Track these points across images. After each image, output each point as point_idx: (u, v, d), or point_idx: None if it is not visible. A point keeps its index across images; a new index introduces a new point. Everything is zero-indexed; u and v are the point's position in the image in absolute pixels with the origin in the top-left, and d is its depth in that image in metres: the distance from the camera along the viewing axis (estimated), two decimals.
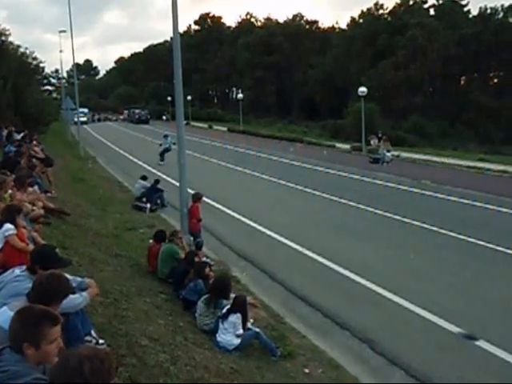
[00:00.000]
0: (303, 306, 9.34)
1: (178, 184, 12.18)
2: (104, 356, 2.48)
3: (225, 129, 62.79)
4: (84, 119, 67.21)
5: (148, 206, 16.61)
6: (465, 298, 9.57)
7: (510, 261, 11.75)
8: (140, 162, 28.38)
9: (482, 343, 7.66)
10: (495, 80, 59.83)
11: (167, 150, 28.05)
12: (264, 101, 78.58)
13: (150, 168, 25.38)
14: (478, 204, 18.04)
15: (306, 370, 6.88)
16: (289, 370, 6.82)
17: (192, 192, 12.12)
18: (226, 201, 17.82)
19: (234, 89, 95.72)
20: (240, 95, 66.64)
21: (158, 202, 17.21)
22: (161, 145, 28.97)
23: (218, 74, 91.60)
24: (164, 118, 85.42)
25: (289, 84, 77.24)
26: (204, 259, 10.07)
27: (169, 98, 65.70)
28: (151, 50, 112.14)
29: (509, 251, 12.21)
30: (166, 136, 29.21)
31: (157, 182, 17.78)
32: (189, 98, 70.06)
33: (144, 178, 18.34)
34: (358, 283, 10.21)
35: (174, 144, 25.57)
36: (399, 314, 8.84)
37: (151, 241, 10.48)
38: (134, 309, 6.91)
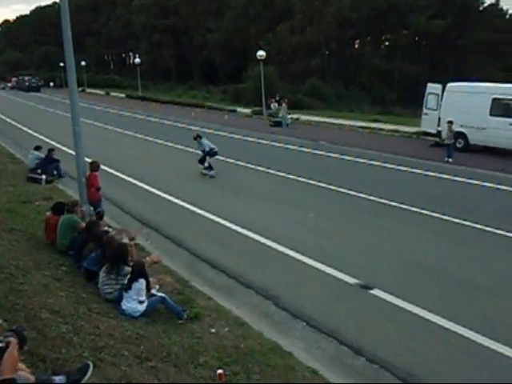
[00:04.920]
0: (208, 268, 9.48)
1: (74, 153, 11.73)
2: None
3: (123, 95, 60.93)
4: None
5: (44, 177, 15.96)
6: (360, 251, 10.17)
7: (400, 213, 12.58)
8: (33, 132, 26.89)
9: (376, 292, 8.25)
10: (386, 43, 62.11)
11: (212, 152, 17.46)
12: (163, 66, 76.72)
13: (43, 138, 24.13)
14: (375, 163, 18.95)
15: (213, 330, 7.04)
16: (195, 330, 6.94)
17: (89, 161, 11.71)
18: (124, 168, 17.50)
19: (131, 53, 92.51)
20: (137, 60, 64.43)
21: (55, 172, 16.54)
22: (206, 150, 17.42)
23: (113, 37, 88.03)
24: (51, 84, 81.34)
25: (188, 48, 75.62)
26: (105, 228, 9.85)
27: (61, 64, 62.27)
28: (39, 12, 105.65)
29: (400, 205, 13.09)
30: (196, 138, 17.64)
31: (51, 151, 16.99)
32: (83, 63, 67.12)
33: (38, 148, 17.46)
34: (260, 243, 10.50)
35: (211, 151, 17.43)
36: (300, 269, 9.23)
37: (48, 213, 10.08)
38: (31, 283, 6.70)
